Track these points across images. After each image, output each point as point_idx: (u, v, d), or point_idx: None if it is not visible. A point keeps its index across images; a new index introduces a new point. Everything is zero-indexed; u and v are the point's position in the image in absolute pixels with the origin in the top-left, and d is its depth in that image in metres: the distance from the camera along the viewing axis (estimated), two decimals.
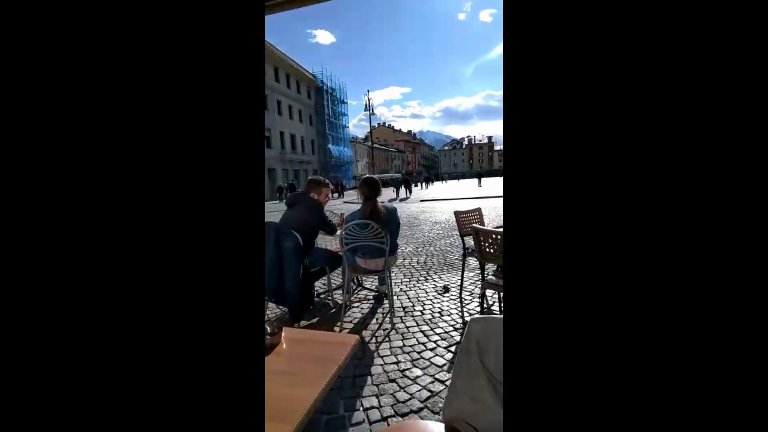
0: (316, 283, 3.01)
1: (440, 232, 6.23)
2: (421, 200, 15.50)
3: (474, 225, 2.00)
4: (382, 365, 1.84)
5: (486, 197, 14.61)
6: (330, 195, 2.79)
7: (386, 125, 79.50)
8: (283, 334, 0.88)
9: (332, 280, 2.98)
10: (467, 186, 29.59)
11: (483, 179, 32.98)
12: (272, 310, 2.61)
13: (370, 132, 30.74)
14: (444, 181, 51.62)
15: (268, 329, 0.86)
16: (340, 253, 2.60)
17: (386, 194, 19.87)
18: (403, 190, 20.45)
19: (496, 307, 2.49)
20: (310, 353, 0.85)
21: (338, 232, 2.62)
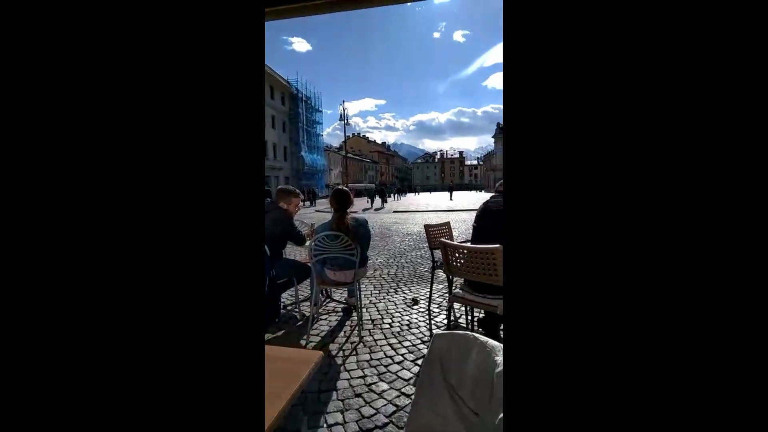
0: (284, 295, 2.93)
1: (411, 243, 6.29)
2: (394, 211, 15.62)
3: (442, 239, 2.04)
4: (348, 380, 1.82)
5: (456, 210, 14.98)
6: (300, 204, 2.75)
7: (361, 136, 79.99)
8: None
9: (300, 292, 2.91)
10: (439, 198, 30.23)
11: (454, 192, 34.07)
12: None
13: (345, 141, 30.76)
14: (417, 193, 52.53)
15: None
16: (309, 264, 2.56)
17: (361, 204, 20.68)
18: (378, 200, 21.31)
19: (462, 320, 2.54)
20: (273, 370, 0.82)
21: (307, 243, 2.58)
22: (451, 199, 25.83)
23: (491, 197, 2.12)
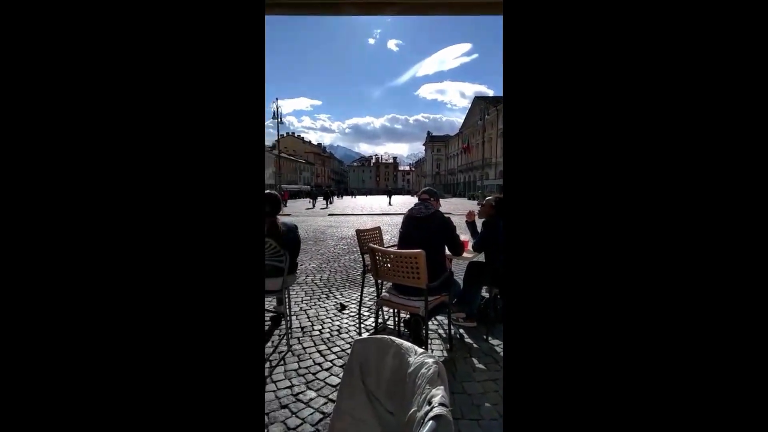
0: None
1: (345, 247, 6.29)
2: (329, 214, 15.43)
3: (371, 245, 2.11)
4: (274, 391, 1.76)
5: (391, 214, 15.39)
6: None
7: (296, 135, 77.33)
8: None
9: None
10: (377, 201, 30.64)
11: (393, 196, 32.27)
12: None
13: (278, 140, 29.43)
14: (353, 196, 52.52)
15: None
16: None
17: (303, 204, 21.00)
18: (321, 200, 24.14)
19: (391, 322, 2.64)
20: None
21: None
22: (390, 204, 25.10)
23: (415, 204, 2.25)
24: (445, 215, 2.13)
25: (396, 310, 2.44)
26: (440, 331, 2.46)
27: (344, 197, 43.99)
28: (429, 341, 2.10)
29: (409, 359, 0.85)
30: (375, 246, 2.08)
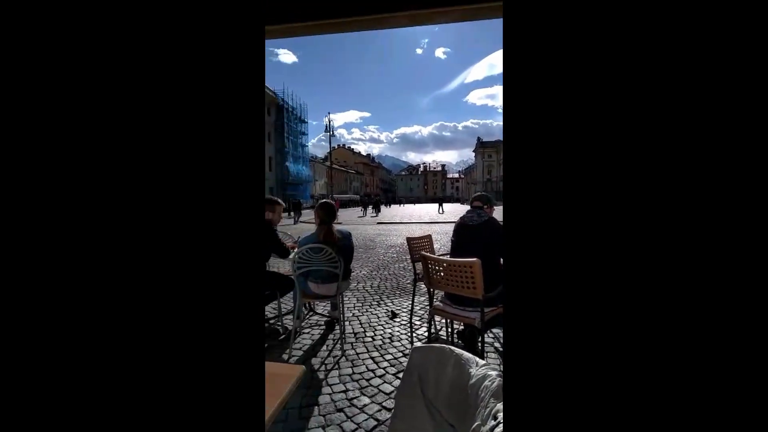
0: (266, 308, 2.89)
1: (395, 255, 6.33)
2: (378, 222, 15.66)
3: (423, 252, 2.09)
4: (330, 394, 1.81)
5: (440, 222, 15.16)
6: (282, 214, 2.76)
7: (346, 147, 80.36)
8: None
9: (283, 305, 2.88)
10: (425, 210, 30.43)
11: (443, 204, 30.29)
12: None
13: (330, 152, 30.81)
14: (401, 204, 52.81)
15: None
16: (292, 277, 2.55)
17: (355, 212, 22.55)
18: (370, 209, 25.51)
19: (443, 332, 2.58)
20: None
21: (291, 255, 2.58)
22: (441, 212, 24.20)
23: (467, 212, 2.20)
24: (500, 222, 2.05)
25: (448, 320, 2.39)
26: (496, 344, 2.34)
27: (392, 206, 44.43)
28: (485, 354, 2.01)
29: (470, 370, 0.83)
30: (428, 254, 2.06)
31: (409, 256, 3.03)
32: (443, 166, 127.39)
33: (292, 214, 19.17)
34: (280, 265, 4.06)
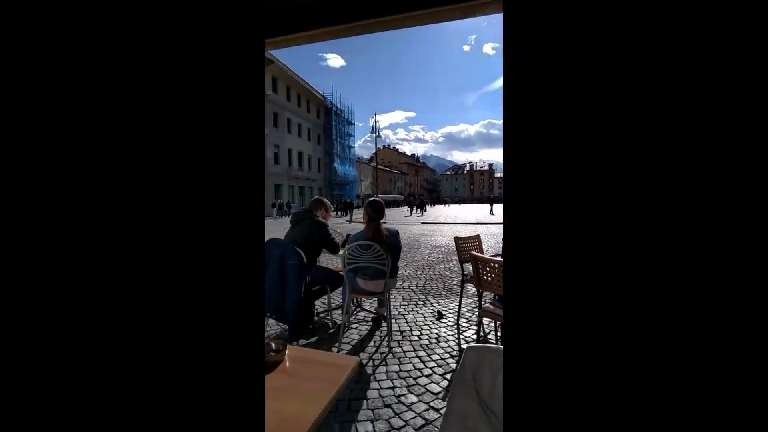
0: (316, 302, 3.02)
1: (440, 256, 6.24)
2: (422, 223, 15.55)
3: (473, 252, 2.04)
4: (378, 389, 1.84)
5: (485, 223, 14.64)
6: (330, 214, 2.86)
7: (391, 147, 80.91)
8: (286, 352, 0.92)
9: (332, 300, 2.99)
10: (472, 211, 29.58)
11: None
12: (272, 327, 2.61)
13: (376, 153, 31.23)
14: (447, 205, 51.87)
15: (273, 346, 0.89)
16: (342, 273, 2.63)
17: (401, 212, 23.24)
18: (417, 209, 26.24)
19: (492, 336, 2.49)
20: (313, 372, 0.88)
21: (341, 252, 2.66)
22: (492, 213, 22.92)
23: None
24: None
25: (498, 323, 2.30)
26: None
27: (436, 206, 43.87)
28: None
29: None
30: (478, 254, 2.01)
31: (454, 257, 2.96)
32: (491, 165, 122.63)
33: (340, 213, 19.83)
34: (330, 262, 4.20)
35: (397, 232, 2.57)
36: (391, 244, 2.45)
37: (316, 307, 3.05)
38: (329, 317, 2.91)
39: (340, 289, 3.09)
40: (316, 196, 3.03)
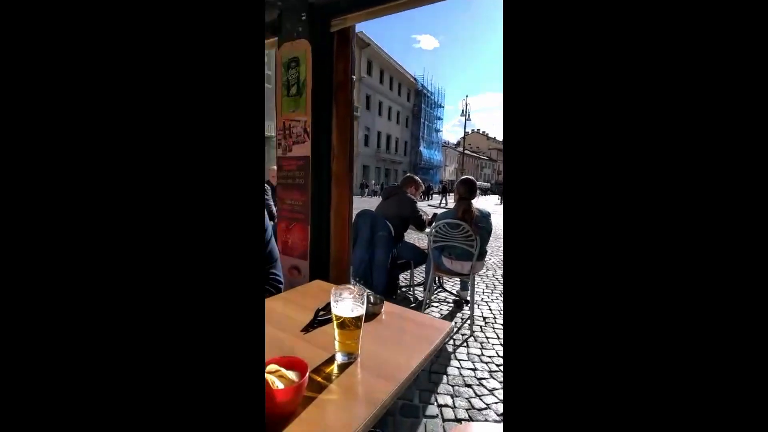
0: (400, 276, 3.09)
1: None
2: None
3: None
4: (458, 368, 1.81)
5: None
6: (420, 192, 2.85)
7: (480, 132, 76.62)
8: (383, 306, 0.94)
9: (415, 277, 3.02)
10: None
11: None
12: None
13: (464, 137, 30.02)
14: None
15: (371, 299, 0.92)
16: (427, 251, 2.63)
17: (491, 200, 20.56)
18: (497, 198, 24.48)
19: None
20: (409, 328, 0.89)
21: (427, 230, 2.65)
22: None
23: None
24: None
25: None
26: None
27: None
28: None
29: None
30: None
31: None
32: None
33: (422, 197, 20.02)
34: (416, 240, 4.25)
35: (489, 215, 2.43)
36: (482, 225, 2.33)
37: (399, 281, 3.13)
38: (411, 292, 2.95)
39: (424, 266, 3.09)
40: (408, 174, 3.05)
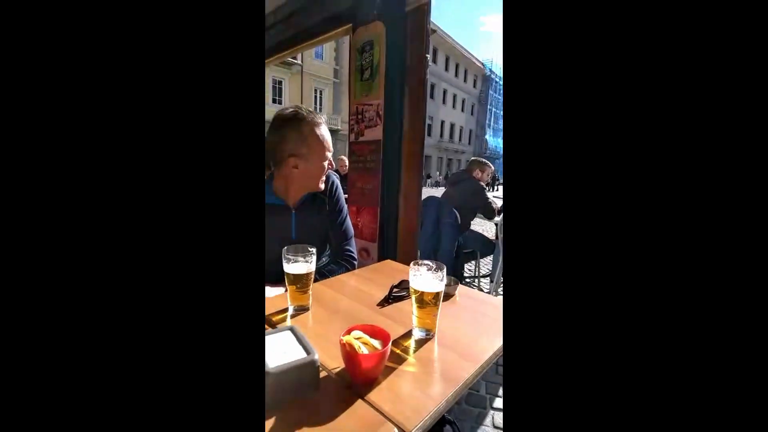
0: (465, 266, 3.01)
1: None
2: None
3: None
4: None
5: None
6: (486, 175, 2.70)
7: None
8: (458, 288, 0.92)
9: (481, 268, 2.91)
10: None
11: None
12: None
13: None
14: None
15: (446, 280, 0.90)
16: (495, 242, 2.51)
17: None
18: None
19: None
20: (487, 311, 0.85)
21: (496, 219, 2.52)
22: None
23: None
24: None
25: None
26: None
27: None
28: None
29: None
30: None
31: None
32: None
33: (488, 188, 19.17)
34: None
35: None
36: None
37: (464, 272, 3.04)
38: (476, 283, 2.86)
39: (490, 258, 2.97)
40: (475, 157, 2.92)
